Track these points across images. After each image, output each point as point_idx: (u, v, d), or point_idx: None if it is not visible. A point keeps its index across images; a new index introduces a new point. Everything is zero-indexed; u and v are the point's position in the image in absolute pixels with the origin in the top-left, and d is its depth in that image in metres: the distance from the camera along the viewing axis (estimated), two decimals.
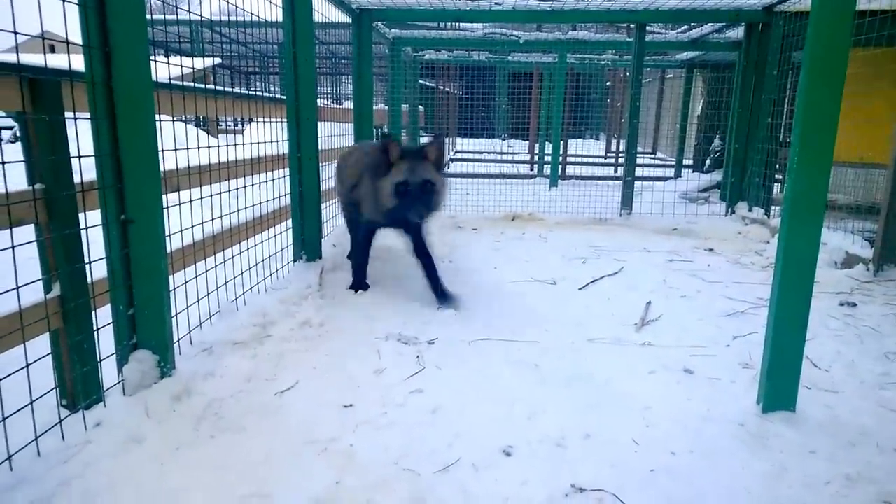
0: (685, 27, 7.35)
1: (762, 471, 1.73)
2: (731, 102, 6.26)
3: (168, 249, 2.14)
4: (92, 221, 1.86)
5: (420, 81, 10.14)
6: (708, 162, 8.86)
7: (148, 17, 1.96)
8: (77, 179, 1.81)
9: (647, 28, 6.08)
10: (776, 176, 5.83)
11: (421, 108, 10.02)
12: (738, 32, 6.31)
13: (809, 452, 1.82)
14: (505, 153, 11.98)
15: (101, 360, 1.88)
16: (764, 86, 5.61)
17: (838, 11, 1.78)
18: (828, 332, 2.84)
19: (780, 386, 2.02)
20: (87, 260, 1.82)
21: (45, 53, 1.66)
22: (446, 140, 2.81)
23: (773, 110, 5.54)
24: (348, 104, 6.08)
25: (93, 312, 1.86)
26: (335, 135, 5.40)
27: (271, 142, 3.53)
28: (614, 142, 12.33)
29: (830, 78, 1.80)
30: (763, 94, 5.62)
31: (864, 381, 2.33)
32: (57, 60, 1.79)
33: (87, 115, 1.80)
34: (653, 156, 13.55)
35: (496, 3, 5.65)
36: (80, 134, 1.79)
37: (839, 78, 1.80)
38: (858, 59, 3.85)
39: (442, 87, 11.54)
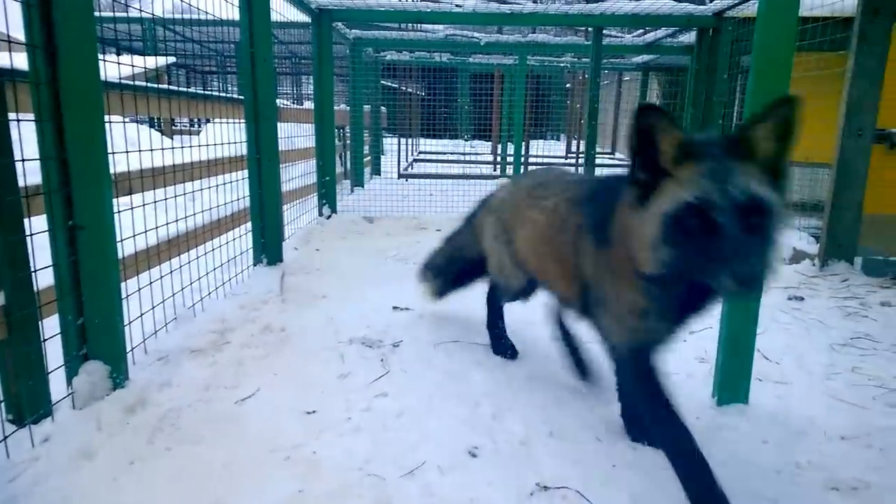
0: (640, 31, 7.53)
1: (717, 462, 1.77)
2: (684, 104, 6.44)
3: (120, 255, 2.07)
4: (38, 227, 1.78)
5: (382, 82, 10.09)
6: None
7: (97, 14, 1.89)
8: (22, 184, 1.73)
9: (604, 32, 6.20)
10: None
11: (383, 108, 9.98)
12: (690, 37, 6.51)
13: (762, 443, 1.88)
14: (468, 154, 12.03)
15: (49, 373, 1.80)
16: (715, 88, 5.80)
17: (782, 17, 1.86)
18: (777, 326, 2.95)
19: (733, 379, 2.09)
20: (33, 268, 1.75)
21: None
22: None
23: (723, 112, 5.73)
24: (309, 105, 6.01)
25: (40, 322, 1.78)
26: (296, 135, 5.33)
27: (229, 143, 3.46)
28: (574, 142, 12.52)
29: (776, 81, 1.88)
30: (714, 97, 5.81)
31: (812, 373, 2.43)
32: None
33: (31, 116, 1.73)
34: (612, 156, 13.83)
35: (456, 6, 5.68)
36: (25, 136, 1.72)
37: (784, 81, 1.88)
38: (803, 63, 4.01)
39: (404, 88, 11.51)
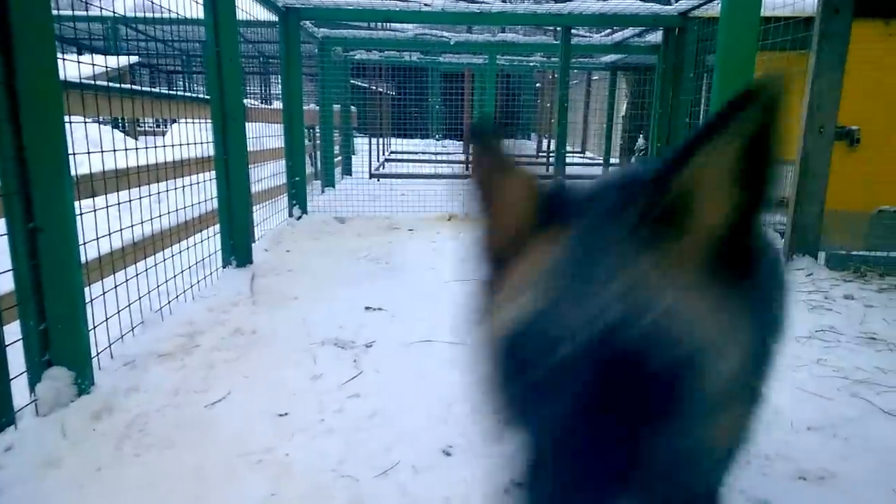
0: (608, 31, 7.63)
1: None
2: (652, 103, 6.55)
3: (85, 258, 2.02)
4: None
5: (352, 81, 10.02)
6: (633, 160, 9.24)
7: (55, 11, 1.84)
8: None
9: (573, 31, 6.27)
10: None
11: (353, 108, 9.91)
12: (656, 36, 6.61)
13: None
14: (439, 153, 12.02)
15: (11, 379, 1.74)
16: (681, 87, 5.90)
17: (745, 17, 1.90)
18: None
19: None
20: None
21: None
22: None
23: (690, 110, 5.84)
24: (278, 104, 5.93)
25: (1, 328, 1.72)
26: (265, 136, 5.26)
27: (196, 144, 3.39)
28: (545, 141, 12.64)
29: (739, 79, 1.92)
30: (681, 95, 5.92)
31: (778, 365, 2.49)
32: None
33: None
34: (582, 155, 14.00)
35: (425, 4, 5.67)
36: None
37: (747, 79, 1.93)
38: (766, 62, 4.11)
39: (374, 88, 11.45)
